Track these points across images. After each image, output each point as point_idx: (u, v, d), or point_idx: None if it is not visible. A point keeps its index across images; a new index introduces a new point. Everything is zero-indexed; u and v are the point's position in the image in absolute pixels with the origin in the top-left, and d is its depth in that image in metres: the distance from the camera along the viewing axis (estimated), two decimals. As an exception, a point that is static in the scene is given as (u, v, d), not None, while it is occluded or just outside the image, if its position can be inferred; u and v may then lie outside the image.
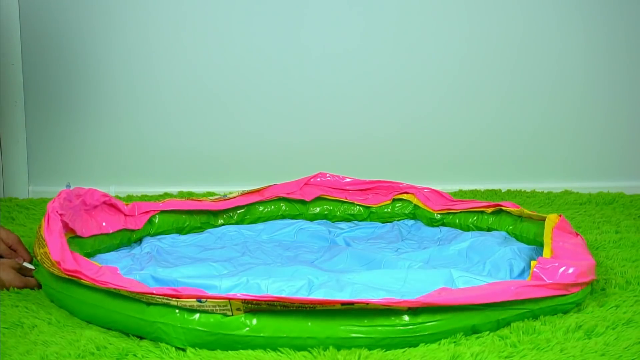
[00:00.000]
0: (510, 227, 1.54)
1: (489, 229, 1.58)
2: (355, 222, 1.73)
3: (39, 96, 2.06)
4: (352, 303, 1.01)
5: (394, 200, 1.73)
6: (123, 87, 2.08)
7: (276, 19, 2.07)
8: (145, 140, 2.10)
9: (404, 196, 1.73)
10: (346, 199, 1.74)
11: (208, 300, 1.02)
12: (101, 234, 1.45)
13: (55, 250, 1.18)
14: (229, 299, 1.02)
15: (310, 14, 2.08)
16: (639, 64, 2.13)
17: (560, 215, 1.42)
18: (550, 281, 1.13)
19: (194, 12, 2.05)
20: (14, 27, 2.01)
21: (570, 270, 1.16)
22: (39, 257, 1.24)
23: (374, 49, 2.10)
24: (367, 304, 1.01)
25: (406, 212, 1.72)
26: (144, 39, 2.06)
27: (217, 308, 1.02)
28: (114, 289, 1.08)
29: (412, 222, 1.70)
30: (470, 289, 1.10)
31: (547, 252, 1.25)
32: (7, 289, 1.28)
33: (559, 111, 2.15)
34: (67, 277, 1.15)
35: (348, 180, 1.76)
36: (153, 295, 1.05)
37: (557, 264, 1.17)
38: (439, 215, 1.66)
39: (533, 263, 1.19)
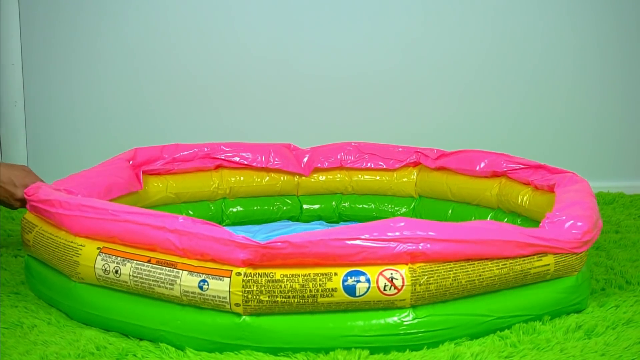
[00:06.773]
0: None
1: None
2: (354, 222, 1.73)
3: (39, 96, 2.06)
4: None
5: (395, 195, 1.73)
6: (123, 87, 2.07)
7: (272, 16, 2.08)
8: (145, 140, 2.09)
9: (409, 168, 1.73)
10: (341, 166, 1.73)
11: (210, 288, 1.00)
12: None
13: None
14: (239, 244, 0.99)
15: (305, 12, 2.08)
16: None
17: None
18: (557, 238, 1.11)
19: (196, 13, 2.05)
20: (14, 27, 2.01)
21: (579, 224, 1.14)
22: (31, 242, 1.22)
23: (377, 48, 2.11)
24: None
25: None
26: (145, 39, 2.06)
27: (217, 299, 1.00)
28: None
29: None
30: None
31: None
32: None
33: (558, 111, 2.14)
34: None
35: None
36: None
37: (564, 218, 1.15)
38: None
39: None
